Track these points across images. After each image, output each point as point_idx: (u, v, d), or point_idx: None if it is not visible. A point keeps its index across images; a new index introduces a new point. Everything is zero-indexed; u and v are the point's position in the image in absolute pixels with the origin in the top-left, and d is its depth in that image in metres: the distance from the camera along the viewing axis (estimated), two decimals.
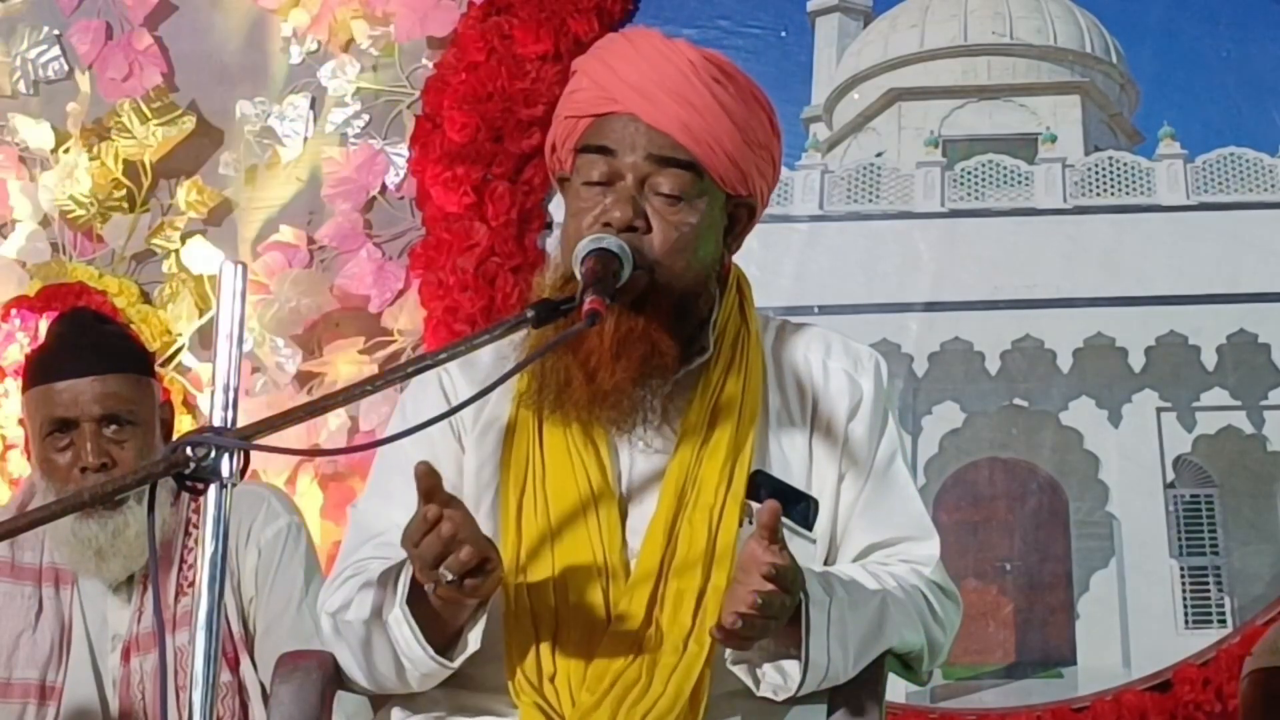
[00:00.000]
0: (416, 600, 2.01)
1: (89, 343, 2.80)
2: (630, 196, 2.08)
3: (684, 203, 2.09)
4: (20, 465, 4.01)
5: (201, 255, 4.18)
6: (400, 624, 2.02)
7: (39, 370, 2.82)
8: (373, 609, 2.05)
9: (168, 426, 2.87)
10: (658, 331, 2.08)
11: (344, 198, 4.19)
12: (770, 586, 1.93)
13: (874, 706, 2.10)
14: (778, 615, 1.95)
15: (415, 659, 2.03)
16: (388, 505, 2.16)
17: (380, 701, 2.20)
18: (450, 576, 1.91)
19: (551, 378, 2.09)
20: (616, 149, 2.09)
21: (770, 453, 2.15)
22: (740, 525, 2.08)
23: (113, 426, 2.76)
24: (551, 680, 2.04)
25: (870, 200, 4.08)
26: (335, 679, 2.19)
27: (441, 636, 2.04)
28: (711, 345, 2.14)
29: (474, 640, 2.03)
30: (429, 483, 1.92)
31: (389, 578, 2.05)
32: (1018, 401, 3.94)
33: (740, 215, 2.18)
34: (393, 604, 2.02)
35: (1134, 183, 4.02)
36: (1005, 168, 4.08)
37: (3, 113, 4.36)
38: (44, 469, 2.79)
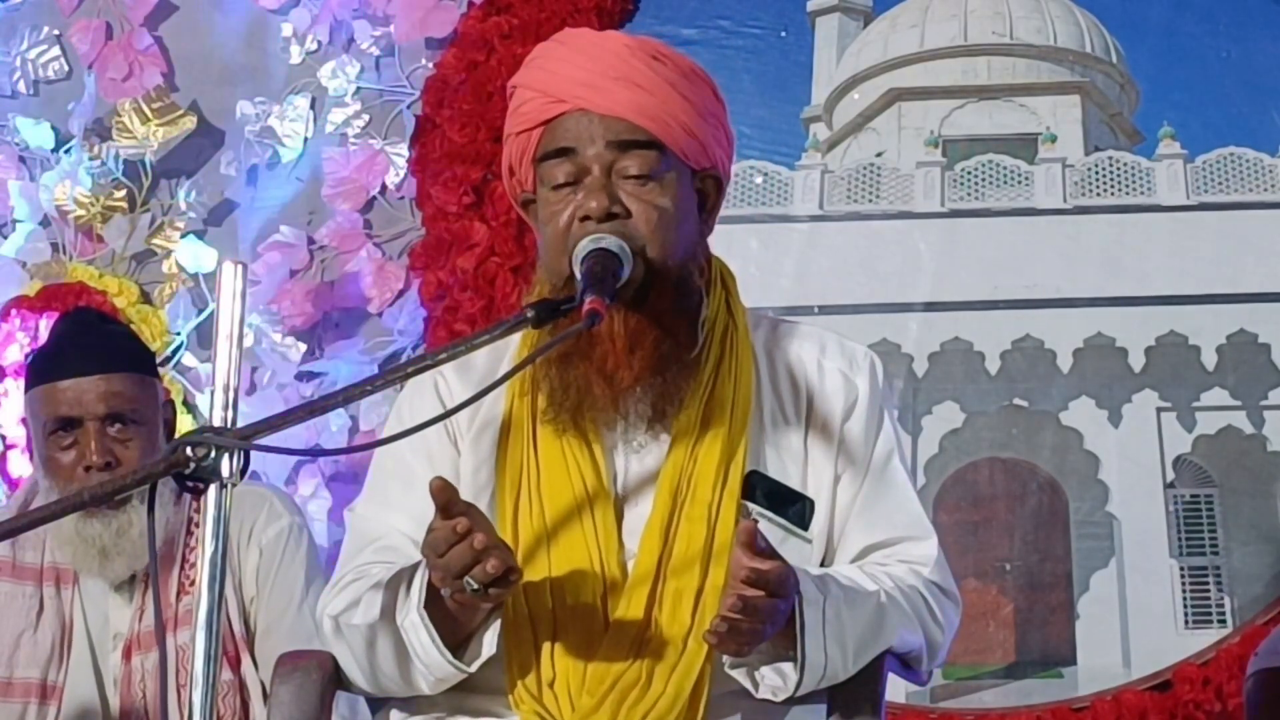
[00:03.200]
0: (431, 604, 2.01)
1: (93, 342, 2.80)
2: (602, 185, 2.07)
3: (654, 182, 2.09)
4: (20, 465, 4.01)
5: (193, 253, 4.18)
6: (417, 629, 2.01)
7: (42, 369, 2.82)
8: (382, 611, 2.04)
9: (170, 426, 2.87)
10: (665, 318, 2.08)
11: (344, 198, 4.19)
12: (752, 591, 1.92)
13: (873, 706, 2.10)
14: (767, 619, 1.95)
15: (432, 663, 2.02)
16: (385, 510, 2.16)
17: (379, 703, 2.20)
18: (475, 585, 1.91)
19: (571, 389, 2.08)
20: (576, 146, 2.09)
21: (766, 453, 2.14)
22: (737, 524, 2.07)
23: (116, 425, 2.76)
24: (551, 685, 2.04)
25: (870, 200, 4.08)
26: (335, 679, 2.19)
27: (454, 639, 2.03)
28: (701, 340, 2.14)
29: (489, 644, 2.02)
30: (446, 497, 1.91)
31: (399, 582, 2.04)
32: (1018, 401, 3.94)
33: (708, 189, 2.18)
34: (408, 608, 2.01)
35: (1134, 183, 4.02)
36: (1005, 168, 4.08)
37: (3, 113, 4.36)
38: (47, 468, 2.79)
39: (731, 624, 1.92)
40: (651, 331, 2.06)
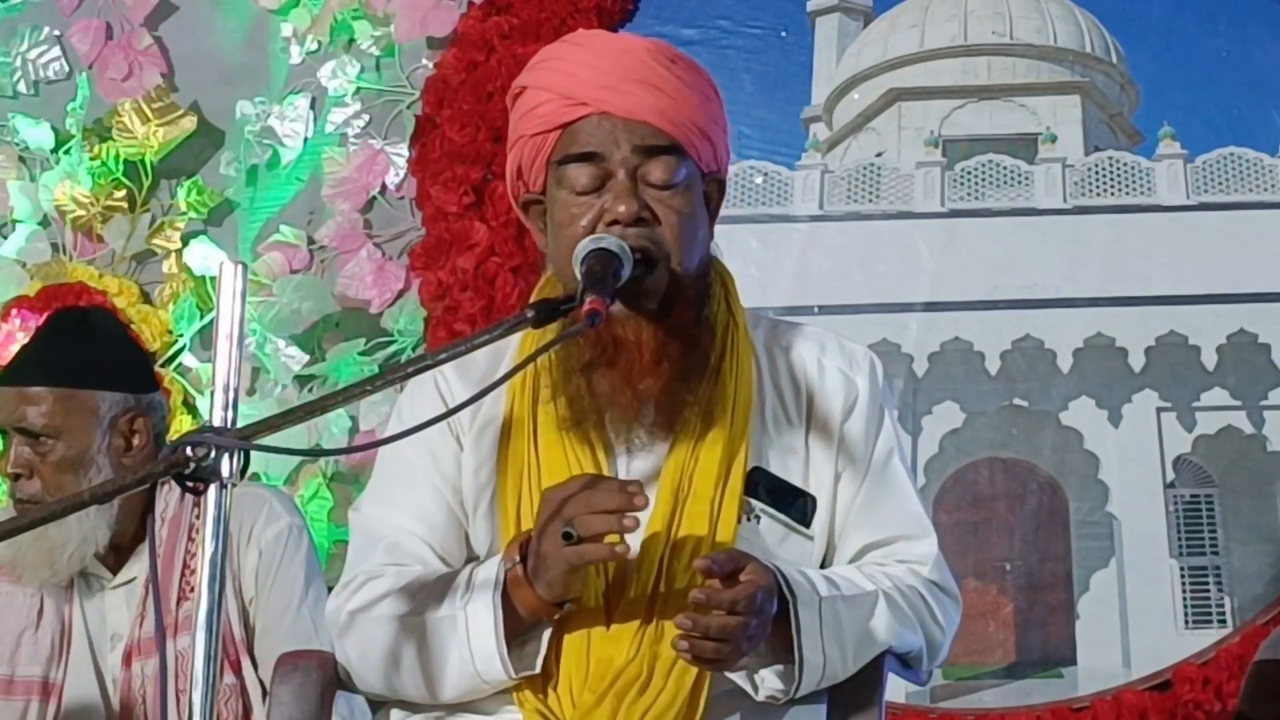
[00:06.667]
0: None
1: (32, 353, 2.84)
2: (629, 190, 2.06)
3: (678, 188, 2.08)
4: None
5: (202, 255, 4.19)
6: (482, 617, 1.99)
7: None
8: (428, 603, 2.03)
9: (127, 439, 2.82)
10: (689, 327, 2.08)
11: (344, 198, 4.19)
12: (709, 613, 1.92)
13: (873, 706, 2.11)
14: (734, 636, 1.95)
15: (483, 655, 2.00)
16: (390, 510, 2.16)
17: (380, 702, 2.20)
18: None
19: (599, 397, 2.07)
20: (601, 151, 2.07)
21: (767, 451, 2.14)
22: (738, 522, 2.08)
23: (30, 436, 2.78)
24: (552, 681, 2.04)
25: (870, 200, 4.08)
26: (335, 679, 2.18)
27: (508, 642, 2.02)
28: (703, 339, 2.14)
29: (542, 647, 2.03)
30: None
31: (451, 579, 2.04)
32: (1018, 401, 3.95)
33: (713, 192, 2.18)
34: (475, 595, 2.00)
35: (1134, 183, 4.02)
36: (1005, 168, 4.08)
37: (3, 113, 4.36)
38: None
39: (693, 642, 1.93)
40: (677, 341, 2.07)
